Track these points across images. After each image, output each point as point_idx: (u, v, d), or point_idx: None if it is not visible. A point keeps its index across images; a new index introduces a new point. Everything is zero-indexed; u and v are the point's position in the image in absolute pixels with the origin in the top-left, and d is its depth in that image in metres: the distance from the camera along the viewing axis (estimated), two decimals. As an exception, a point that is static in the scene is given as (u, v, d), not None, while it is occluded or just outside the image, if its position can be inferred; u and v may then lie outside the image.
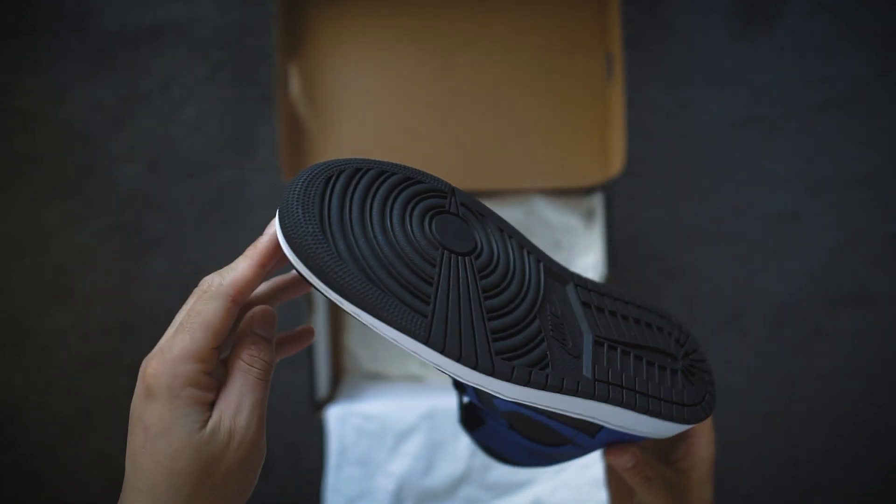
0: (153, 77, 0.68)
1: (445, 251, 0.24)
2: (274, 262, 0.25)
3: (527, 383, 0.23)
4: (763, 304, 0.72)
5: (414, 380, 0.69)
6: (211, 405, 0.23)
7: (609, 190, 0.59)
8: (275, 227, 0.24)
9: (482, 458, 0.58)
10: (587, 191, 0.64)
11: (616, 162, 0.57)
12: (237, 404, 0.24)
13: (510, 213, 0.61)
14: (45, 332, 0.71)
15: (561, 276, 0.28)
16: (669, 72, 0.70)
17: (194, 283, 0.25)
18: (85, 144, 0.69)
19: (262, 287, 0.29)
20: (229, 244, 0.69)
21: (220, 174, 0.69)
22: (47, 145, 0.69)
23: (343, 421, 0.58)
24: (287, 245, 0.23)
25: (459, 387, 0.30)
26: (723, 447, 0.79)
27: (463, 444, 0.58)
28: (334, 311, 0.67)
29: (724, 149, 0.71)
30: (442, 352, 0.22)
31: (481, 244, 0.25)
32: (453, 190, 0.26)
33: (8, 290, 0.70)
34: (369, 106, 0.60)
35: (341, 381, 0.68)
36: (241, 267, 0.24)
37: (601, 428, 0.27)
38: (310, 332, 0.31)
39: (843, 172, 0.71)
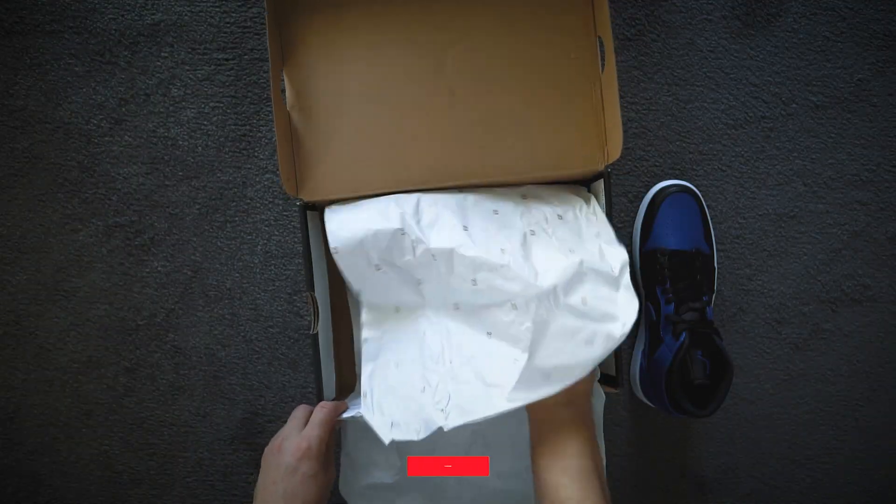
0: (153, 77, 0.68)
1: None
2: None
3: None
4: (763, 304, 0.72)
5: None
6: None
7: (609, 177, 0.57)
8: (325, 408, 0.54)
9: (480, 447, 0.61)
10: (586, 182, 0.63)
11: (614, 148, 0.56)
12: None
13: (508, 206, 0.61)
14: (45, 332, 0.71)
15: None
16: (669, 72, 0.70)
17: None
18: (85, 144, 0.69)
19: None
20: (229, 244, 0.69)
21: (220, 174, 0.69)
22: (47, 145, 0.69)
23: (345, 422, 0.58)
24: None
25: None
26: (723, 447, 0.79)
27: (464, 436, 0.60)
28: (339, 316, 0.67)
29: (724, 149, 0.71)
30: None
31: None
32: None
33: (8, 290, 0.70)
34: (364, 107, 0.59)
35: (347, 385, 0.68)
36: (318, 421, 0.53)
37: None
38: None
39: (843, 172, 0.71)
